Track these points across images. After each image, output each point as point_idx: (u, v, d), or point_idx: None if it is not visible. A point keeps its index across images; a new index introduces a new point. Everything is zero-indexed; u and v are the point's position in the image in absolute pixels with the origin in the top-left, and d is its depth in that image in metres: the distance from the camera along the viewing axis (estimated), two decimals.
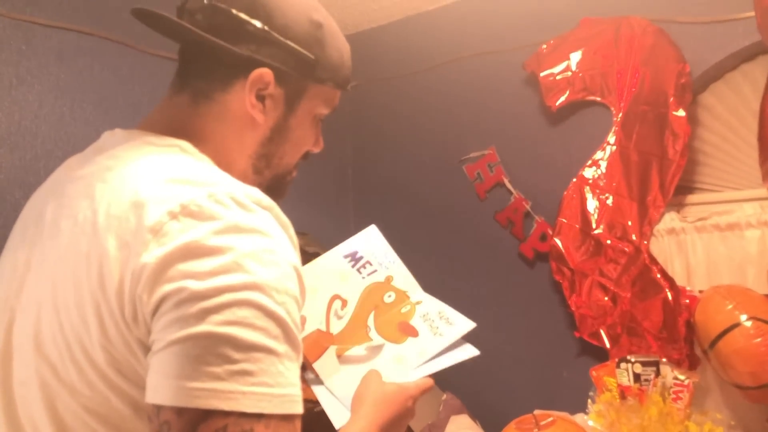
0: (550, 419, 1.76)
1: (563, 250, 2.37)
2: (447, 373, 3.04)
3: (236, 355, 0.63)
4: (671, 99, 2.08)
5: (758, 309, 1.80)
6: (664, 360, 1.47)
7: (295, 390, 0.67)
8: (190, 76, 0.87)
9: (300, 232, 2.35)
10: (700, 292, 2.01)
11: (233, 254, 0.65)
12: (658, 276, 2.11)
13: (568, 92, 2.35)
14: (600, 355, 2.28)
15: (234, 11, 0.83)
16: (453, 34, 2.75)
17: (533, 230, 2.52)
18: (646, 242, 2.18)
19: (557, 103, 2.37)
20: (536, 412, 1.84)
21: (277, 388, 0.65)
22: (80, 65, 2.22)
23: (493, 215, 2.63)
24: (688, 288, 2.09)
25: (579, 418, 1.90)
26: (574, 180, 2.36)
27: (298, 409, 0.67)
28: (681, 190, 2.17)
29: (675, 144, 2.08)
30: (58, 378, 0.70)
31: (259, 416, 0.63)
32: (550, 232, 2.43)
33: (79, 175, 0.80)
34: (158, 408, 0.63)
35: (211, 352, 0.62)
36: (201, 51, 0.86)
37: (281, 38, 0.85)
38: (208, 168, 0.77)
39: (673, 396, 1.35)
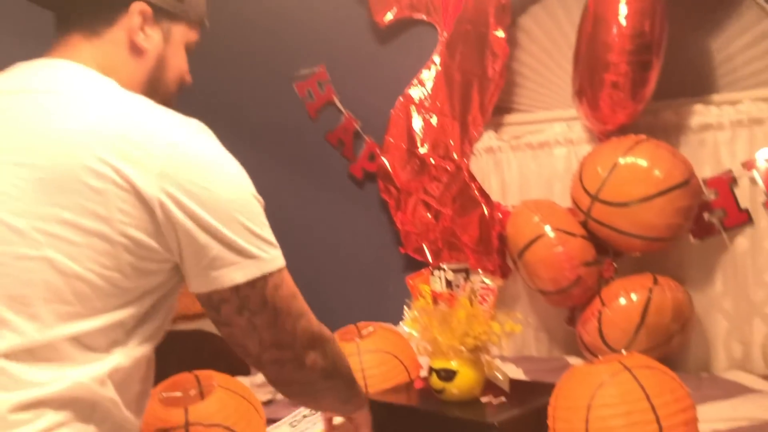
0: (371, 329, 1.82)
1: (390, 170, 2.42)
2: None
3: (264, 233, 0.92)
4: (491, 18, 2.14)
5: (561, 221, 1.95)
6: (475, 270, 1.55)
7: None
8: (72, 17, 0.98)
9: None
10: (513, 207, 2.14)
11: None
12: (476, 193, 2.22)
13: (395, 8, 2.34)
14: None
15: None
16: None
17: (363, 150, 2.53)
18: (466, 160, 2.27)
19: (385, 20, 2.36)
20: (359, 323, 1.89)
21: (278, 246, 0.94)
22: None
23: (324, 135, 2.61)
24: (503, 204, 2.22)
25: (400, 328, 1.97)
26: (401, 99, 2.38)
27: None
28: (499, 111, 2.26)
29: (494, 64, 2.16)
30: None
31: (283, 269, 0.94)
32: (379, 151, 2.46)
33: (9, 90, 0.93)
34: (236, 288, 0.90)
35: (255, 236, 0.90)
36: None
37: None
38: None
39: (480, 299, 1.43)
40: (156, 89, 1.02)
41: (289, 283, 0.96)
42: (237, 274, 0.89)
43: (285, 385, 1.04)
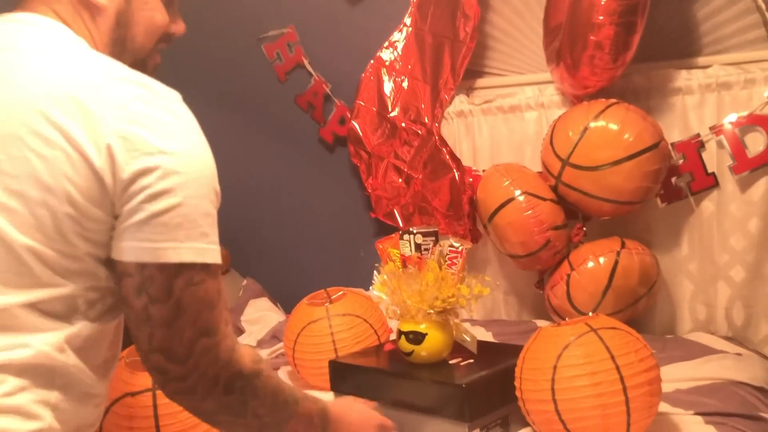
0: (341, 293, 1.81)
1: (361, 134, 2.39)
2: (247, 259, 3.02)
3: (201, 221, 0.83)
4: None
5: (531, 184, 1.95)
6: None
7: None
8: None
9: None
10: (484, 171, 2.13)
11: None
12: (447, 157, 2.21)
13: None
14: None
15: None
16: None
17: (333, 114, 2.50)
18: (437, 124, 2.25)
19: None
20: (329, 288, 1.88)
21: (216, 244, 0.86)
22: None
23: (293, 99, 2.57)
24: (474, 168, 2.21)
25: (370, 292, 1.97)
26: (372, 62, 2.35)
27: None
28: (470, 74, 2.24)
29: (466, 26, 2.13)
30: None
31: (211, 265, 0.85)
32: (349, 115, 2.43)
33: None
34: (142, 266, 0.81)
35: (187, 219, 0.81)
36: None
37: None
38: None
39: (449, 262, 1.43)
40: (125, 48, 0.94)
41: (209, 289, 0.84)
42: (147, 253, 0.81)
43: (174, 401, 0.90)
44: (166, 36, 0.99)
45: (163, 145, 0.81)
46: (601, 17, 1.75)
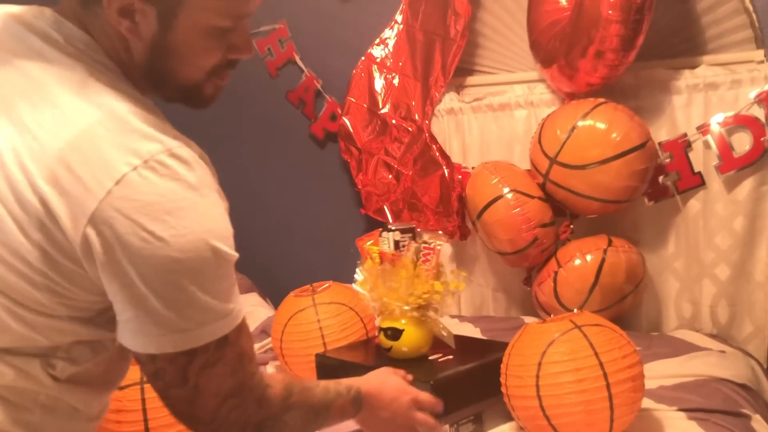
0: (326, 285, 1.82)
1: (351, 130, 2.40)
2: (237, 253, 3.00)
3: (207, 298, 0.74)
4: None
5: (519, 182, 1.96)
6: (419, 229, 1.56)
7: (240, 301, 0.80)
8: None
9: None
10: (473, 168, 2.14)
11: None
12: (437, 154, 2.21)
13: None
14: None
15: None
16: None
17: (324, 110, 2.50)
18: (427, 122, 2.26)
19: None
20: (315, 283, 1.89)
21: (232, 309, 0.77)
22: None
23: (284, 94, 2.57)
24: (463, 165, 2.22)
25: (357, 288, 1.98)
26: (363, 58, 2.35)
27: (242, 313, 0.80)
28: (461, 72, 2.25)
29: (456, 24, 2.14)
30: None
31: (229, 334, 0.77)
32: (340, 111, 2.44)
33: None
34: (151, 357, 0.76)
35: (189, 305, 0.74)
36: None
37: None
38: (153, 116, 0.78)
39: (423, 259, 1.44)
40: (164, 80, 0.82)
41: (229, 360, 0.78)
42: (152, 344, 0.75)
43: None
44: (229, 63, 0.84)
45: (158, 229, 0.71)
46: (611, 13, 1.73)
